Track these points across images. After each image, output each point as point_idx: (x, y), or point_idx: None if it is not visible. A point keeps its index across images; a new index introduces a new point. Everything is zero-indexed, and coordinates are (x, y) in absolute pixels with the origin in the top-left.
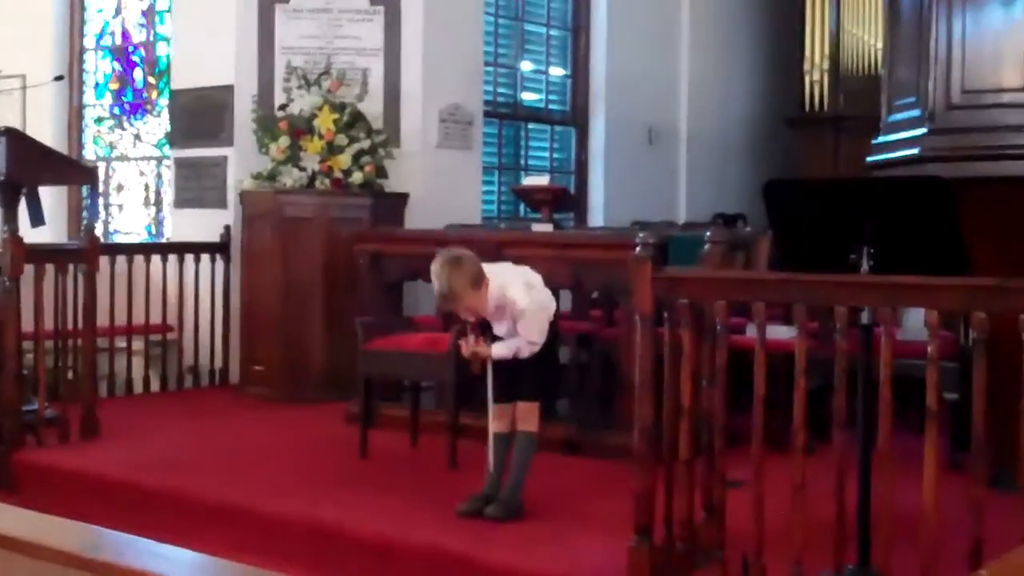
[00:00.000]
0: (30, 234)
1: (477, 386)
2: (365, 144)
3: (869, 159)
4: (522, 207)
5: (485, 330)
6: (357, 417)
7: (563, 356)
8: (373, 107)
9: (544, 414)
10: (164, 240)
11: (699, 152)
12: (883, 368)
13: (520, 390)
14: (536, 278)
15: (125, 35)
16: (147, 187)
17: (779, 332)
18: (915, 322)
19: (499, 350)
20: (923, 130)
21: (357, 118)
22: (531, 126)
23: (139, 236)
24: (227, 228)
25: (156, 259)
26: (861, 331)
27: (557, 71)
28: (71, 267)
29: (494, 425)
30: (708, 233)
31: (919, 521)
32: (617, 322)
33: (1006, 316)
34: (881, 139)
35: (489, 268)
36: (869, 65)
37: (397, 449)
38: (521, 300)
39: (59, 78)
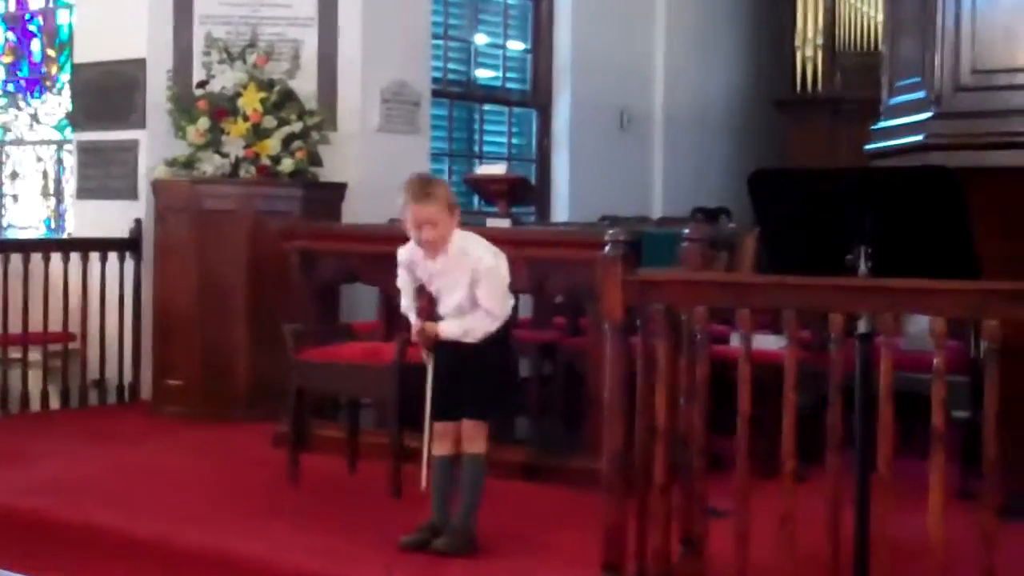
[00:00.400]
0: None
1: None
2: (296, 127)
3: (868, 146)
4: (476, 199)
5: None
6: (287, 438)
7: (522, 369)
8: (306, 85)
9: (499, 433)
10: (65, 236)
11: (677, 138)
12: (883, 382)
13: (466, 405)
14: (503, 256)
15: (21, 1)
16: (46, 175)
17: (767, 342)
18: (919, 330)
19: (449, 327)
20: (928, 114)
21: (287, 97)
22: (486, 107)
23: (37, 231)
24: (138, 222)
25: (56, 257)
26: (859, 341)
27: (516, 45)
28: None
29: (436, 447)
30: (687, 230)
31: (923, 555)
32: (583, 331)
33: (1021, 324)
34: (882, 124)
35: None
36: (869, 40)
37: (333, 475)
38: (487, 257)
39: None
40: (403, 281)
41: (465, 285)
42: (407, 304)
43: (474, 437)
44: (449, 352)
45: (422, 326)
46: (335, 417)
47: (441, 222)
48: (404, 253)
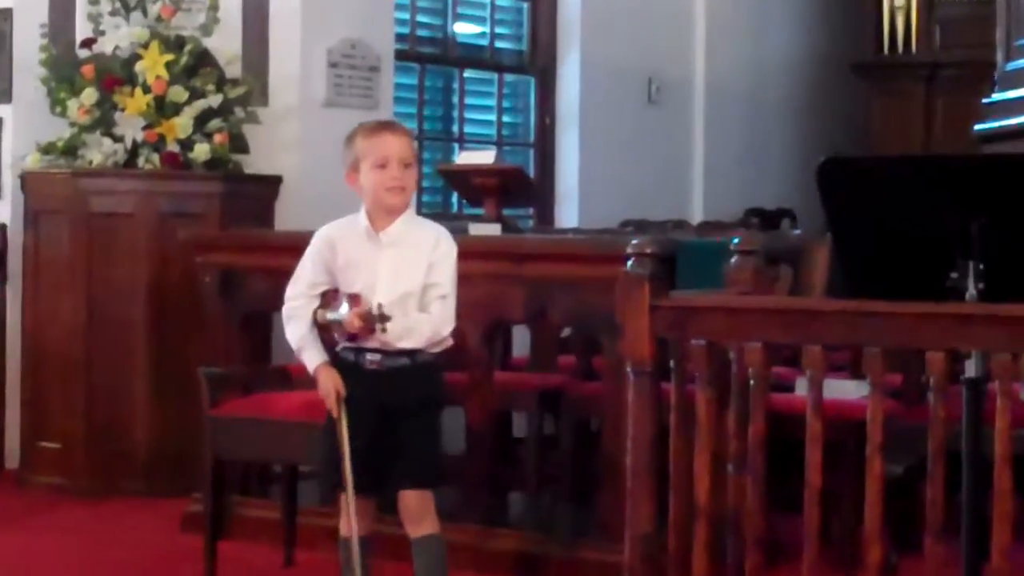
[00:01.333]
0: None
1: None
2: (214, 100)
3: (978, 126)
4: (454, 198)
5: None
6: (201, 520)
7: (518, 424)
8: (227, 44)
9: (484, 513)
10: None
11: (723, 116)
12: (999, 444)
13: (405, 467)
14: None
15: None
16: None
17: (843, 390)
18: None
19: (401, 326)
20: None
21: (202, 61)
22: (469, 74)
23: None
24: (1, 228)
25: None
26: (965, 388)
27: None
28: None
29: (355, 525)
30: (736, 239)
31: None
32: (598, 374)
33: None
34: (996, 97)
35: None
36: None
37: (263, 569)
38: (448, 237)
39: None
40: (307, 276)
41: (420, 265)
42: (301, 330)
43: (423, 514)
44: (373, 386)
45: (359, 313)
46: (266, 492)
47: (413, 168)
48: (326, 231)
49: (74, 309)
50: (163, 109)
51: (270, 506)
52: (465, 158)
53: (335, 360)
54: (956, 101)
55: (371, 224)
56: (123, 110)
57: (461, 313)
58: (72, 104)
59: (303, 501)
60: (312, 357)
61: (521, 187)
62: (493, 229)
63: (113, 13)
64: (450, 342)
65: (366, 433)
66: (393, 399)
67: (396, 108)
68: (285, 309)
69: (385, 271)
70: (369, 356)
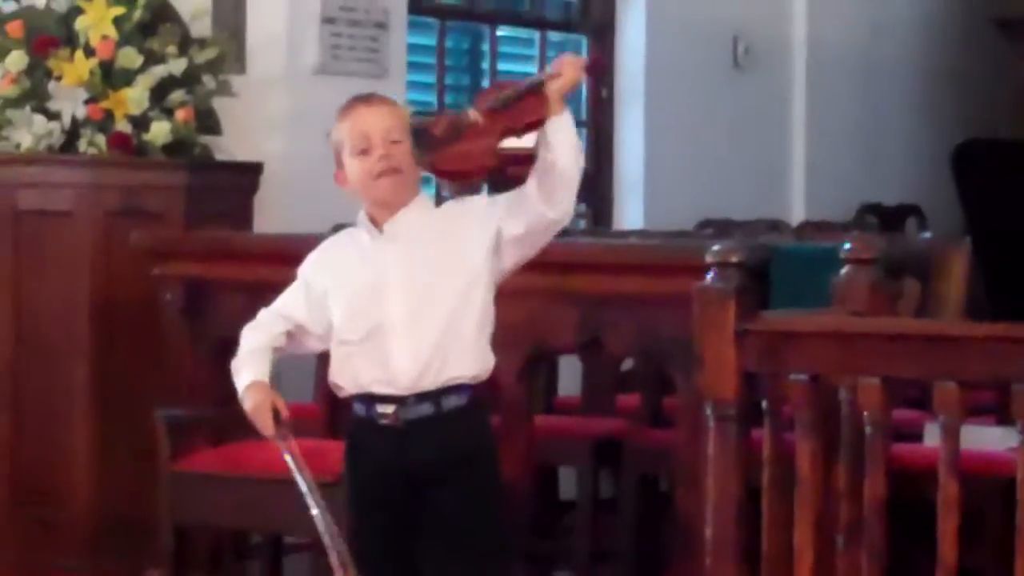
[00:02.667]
0: None
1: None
2: (176, 67)
3: None
4: (484, 191)
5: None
6: None
7: (567, 484)
8: None
9: None
10: None
11: (831, 87)
12: None
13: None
14: None
15: None
16: None
17: (987, 439)
18: None
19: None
20: None
21: (161, 16)
22: (503, 32)
23: None
24: None
25: None
26: None
27: None
28: None
29: None
30: (847, 244)
31: None
32: (669, 419)
33: None
34: None
35: None
36: None
37: None
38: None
39: None
40: (283, 298)
41: (462, 252)
42: (253, 343)
43: None
44: (392, 447)
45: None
46: (242, 570)
47: (406, 145)
48: (318, 248)
49: None
50: (111, 78)
51: None
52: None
53: (349, 419)
54: None
55: (373, 224)
56: (59, 79)
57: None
58: None
59: None
60: (249, 374)
61: None
62: None
63: None
64: (489, 368)
65: (388, 508)
66: (417, 460)
67: (410, 75)
68: (239, 348)
69: (397, 271)
70: (380, 407)
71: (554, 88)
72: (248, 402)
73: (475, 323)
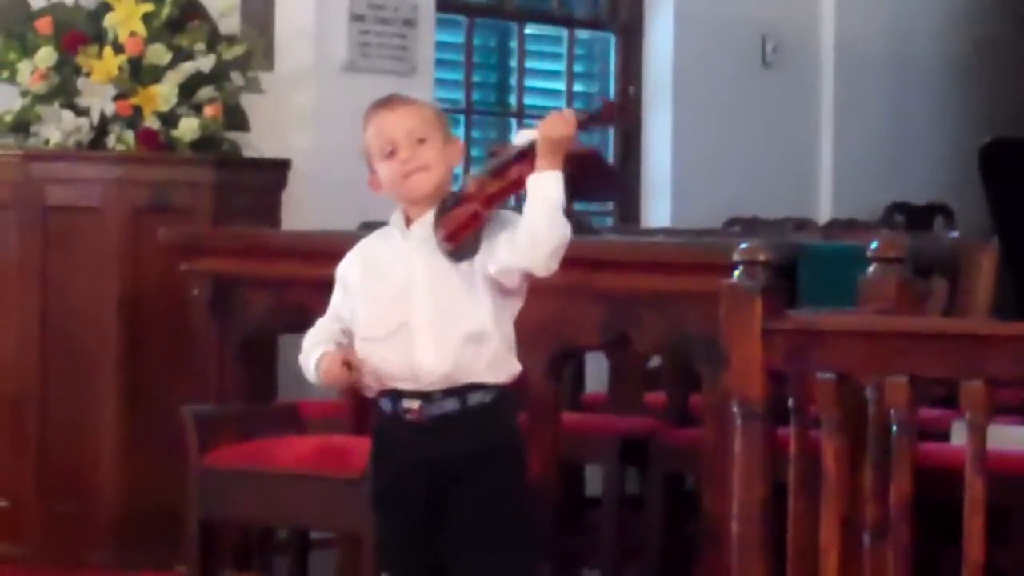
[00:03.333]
0: None
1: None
2: (205, 63)
3: None
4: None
5: None
6: None
7: (593, 481)
8: None
9: None
10: None
11: (860, 85)
12: None
13: (470, 557)
14: None
15: None
16: None
17: (1014, 438)
18: None
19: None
20: None
21: (190, 13)
22: (531, 30)
23: None
24: None
25: None
26: None
27: None
28: None
29: None
30: (875, 243)
31: None
32: (696, 417)
33: None
34: None
35: None
36: None
37: None
38: None
39: None
40: (336, 305)
41: (483, 261)
42: (315, 337)
43: None
44: (417, 443)
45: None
46: (268, 565)
47: (432, 141)
48: (352, 252)
49: (23, 330)
50: (139, 74)
51: None
52: (525, 137)
53: (374, 415)
54: None
55: (406, 222)
56: (88, 75)
57: (518, 337)
58: (24, 67)
59: (316, 574)
60: (316, 353)
61: (598, 175)
62: None
63: None
64: (517, 369)
65: (413, 505)
66: (441, 456)
67: (437, 73)
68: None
69: (424, 270)
70: (405, 403)
71: (540, 145)
72: (325, 371)
73: (498, 328)
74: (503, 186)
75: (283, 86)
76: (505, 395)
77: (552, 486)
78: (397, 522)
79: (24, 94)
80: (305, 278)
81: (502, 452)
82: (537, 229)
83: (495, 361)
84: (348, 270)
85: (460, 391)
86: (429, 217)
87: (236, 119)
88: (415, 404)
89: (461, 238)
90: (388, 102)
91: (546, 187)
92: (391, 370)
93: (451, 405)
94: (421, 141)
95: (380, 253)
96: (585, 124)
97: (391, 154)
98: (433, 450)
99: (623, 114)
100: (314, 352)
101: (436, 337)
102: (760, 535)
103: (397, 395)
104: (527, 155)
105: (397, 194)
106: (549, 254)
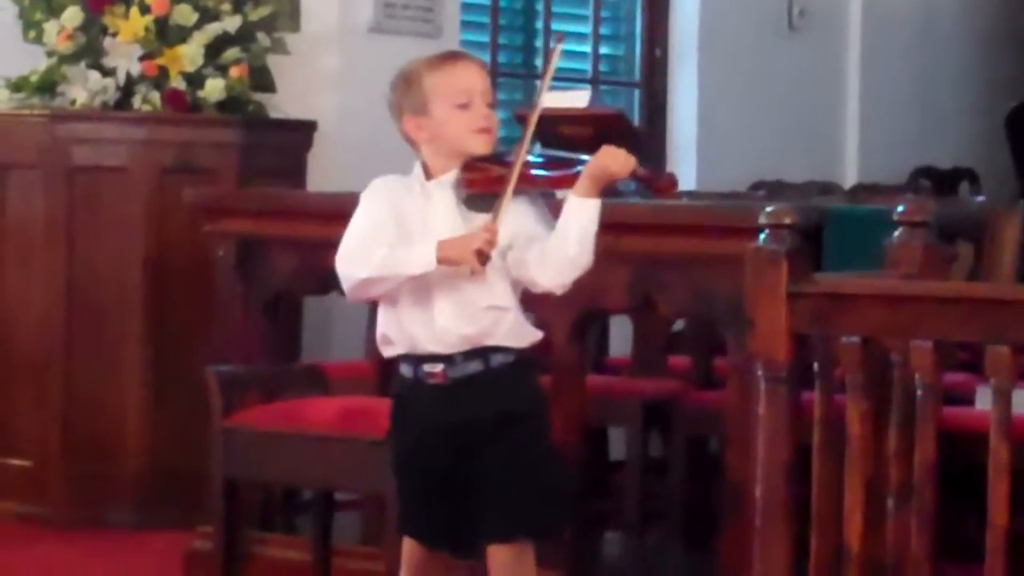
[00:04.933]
0: None
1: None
2: (231, 24)
3: None
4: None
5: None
6: (210, 561)
7: (616, 443)
8: None
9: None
10: None
11: (886, 48)
12: None
13: (495, 514)
14: None
15: None
16: None
17: None
18: None
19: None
20: None
21: None
22: None
23: None
24: None
25: None
26: None
27: None
28: None
29: None
30: (901, 207)
31: None
32: (720, 380)
33: None
34: None
35: None
36: None
37: None
38: None
39: None
40: (369, 229)
41: (526, 220)
42: (383, 252)
43: (518, 574)
44: (440, 406)
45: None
46: (292, 526)
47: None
48: (379, 181)
49: (49, 290)
50: (166, 35)
51: (297, 544)
52: (552, 100)
53: (395, 381)
54: None
55: (424, 174)
56: (115, 35)
57: (543, 299)
58: (50, 28)
59: (339, 539)
60: (421, 248)
61: (623, 138)
62: None
63: None
64: (538, 336)
65: (436, 469)
66: (465, 418)
67: (463, 35)
68: (366, 271)
69: (443, 225)
70: (427, 367)
71: (591, 169)
72: (454, 248)
73: (513, 302)
74: (543, 178)
75: (309, 47)
76: (527, 358)
77: (576, 450)
78: (420, 486)
79: (50, 54)
80: (330, 239)
81: (527, 413)
82: (573, 256)
83: (514, 328)
84: (390, 203)
85: (482, 352)
86: (452, 175)
87: (262, 80)
88: (438, 368)
89: (478, 191)
90: (467, 55)
91: (589, 218)
92: (414, 329)
93: (475, 367)
94: (490, 104)
95: (405, 201)
96: (638, 177)
97: (464, 105)
98: (458, 412)
99: (649, 75)
100: (416, 246)
101: (453, 299)
102: (784, 498)
103: (418, 360)
104: (575, 166)
105: (453, 145)
106: (573, 280)
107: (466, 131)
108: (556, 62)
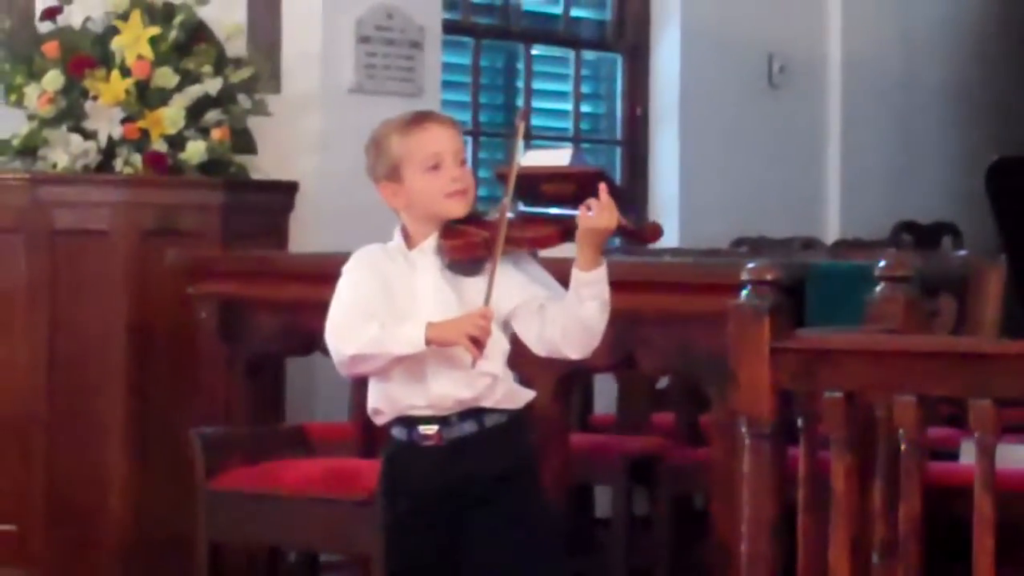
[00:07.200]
0: None
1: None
2: (212, 86)
3: None
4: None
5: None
6: None
7: (602, 502)
8: (228, 14)
9: None
10: None
11: (867, 104)
12: None
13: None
14: None
15: None
16: None
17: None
18: None
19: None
20: None
21: (197, 36)
22: (538, 51)
23: None
24: None
25: None
26: None
27: None
28: None
29: None
30: (883, 262)
31: None
32: (704, 437)
33: None
34: None
35: None
36: None
37: None
38: None
39: None
40: (357, 303)
41: (521, 288)
42: (372, 331)
43: None
44: (434, 469)
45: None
46: None
47: (468, 166)
48: (364, 250)
49: (32, 353)
50: (147, 97)
51: None
52: (533, 158)
53: (386, 445)
54: None
55: (406, 242)
56: (96, 98)
57: (526, 358)
58: (31, 91)
59: None
60: (410, 329)
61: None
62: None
63: None
64: (530, 396)
65: (432, 532)
66: (461, 479)
67: (444, 94)
68: (354, 347)
69: (428, 293)
70: (423, 428)
71: (581, 234)
72: (448, 331)
73: (505, 368)
74: (527, 237)
75: (290, 109)
76: (520, 417)
77: (561, 506)
78: (416, 549)
79: (31, 118)
80: (313, 301)
81: (521, 472)
82: (597, 328)
83: (508, 391)
84: (376, 273)
85: (476, 412)
86: (432, 241)
87: (243, 142)
88: (433, 429)
89: (461, 257)
90: (436, 116)
91: (602, 287)
92: (406, 398)
93: (469, 427)
94: (463, 162)
95: (393, 277)
96: (623, 229)
97: (435, 168)
98: (453, 473)
99: (631, 133)
100: (403, 328)
101: (451, 368)
102: (769, 555)
103: (412, 421)
104: (565, 224)
105: (423, 210)
106: (594, 347)
107: (439, 195)
108: (520, 139)
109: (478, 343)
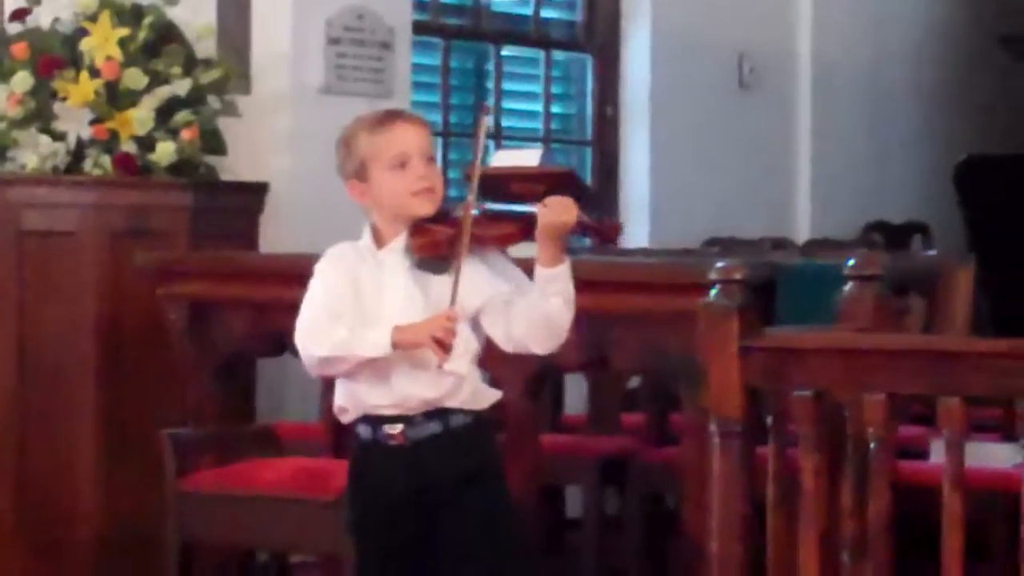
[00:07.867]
0: None
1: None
2: (181, 87)
3: None
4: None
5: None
6: None
7: (573, 502)
8: (197, 15)
9: None
10: None
11: (837, 105)
12: None
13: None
14: None
15: None
16: None
17: (992, 455)
18: None
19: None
20: None
21: (166, 37)
22: (507, 52)
23: None
24: None
25: None
26: None
27: None
28: None
29: None
30: (851, 261)
31: None
32: (675, 436)
33: None
34: None
35: None
36: None
37: None
38: None
39: None
40: (325, 303)
41: (488, 284)
42: (341, 334)
43: None
44: (399, 469)
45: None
46: None
47: (436, 163)
48: (334, 248)
49: (0, 355)
50: (116, 99)
51: None
52: (502, 159)
53: (351, 442)
54: None
55: (375, 241)
56: (65, 100)
57: (497, 357)
58: None
59: None
60: (375, 331)
61: (575, 196)
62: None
63: None
64: (496, 396)
65: (397, 533)
66: (426, 480)
67: (414, 95)
68: (322, 350)
69: (397, 292)
70: (387, 428)
71: (543, 233)
72: (415, 334)
73: (473, 369)
74: (491, 235)
75: (260, 110)
76: (485, 418)
77: (531, 507)
78: (381, 549)
79: (0, 119)
80: (283, 301)
81: (486, 473)
82: (562, 324)
83: (474, 391)
84: (347, 274)
85: (442, 412)
86: (401, 240)
87: (213, 143)
88: (397, 428)
89: (427, 255)
90: (404, 114)
91: (566, 281)
92: (370, 396)
93: (434, 427)
94: (431, 160)
95: (362, 276)
96: (583, 226)
97: (402, 166)
98: (417, 474)
99: (601, 134)
100: (372, 332)
101: (415, 367)
102: (740, 553)
103: (377, 420)
104: (529, 221)
105: (390, 209)
106: (560, 343)
107: (405, 194)
108: (483, 135)
109: (444, 345)
